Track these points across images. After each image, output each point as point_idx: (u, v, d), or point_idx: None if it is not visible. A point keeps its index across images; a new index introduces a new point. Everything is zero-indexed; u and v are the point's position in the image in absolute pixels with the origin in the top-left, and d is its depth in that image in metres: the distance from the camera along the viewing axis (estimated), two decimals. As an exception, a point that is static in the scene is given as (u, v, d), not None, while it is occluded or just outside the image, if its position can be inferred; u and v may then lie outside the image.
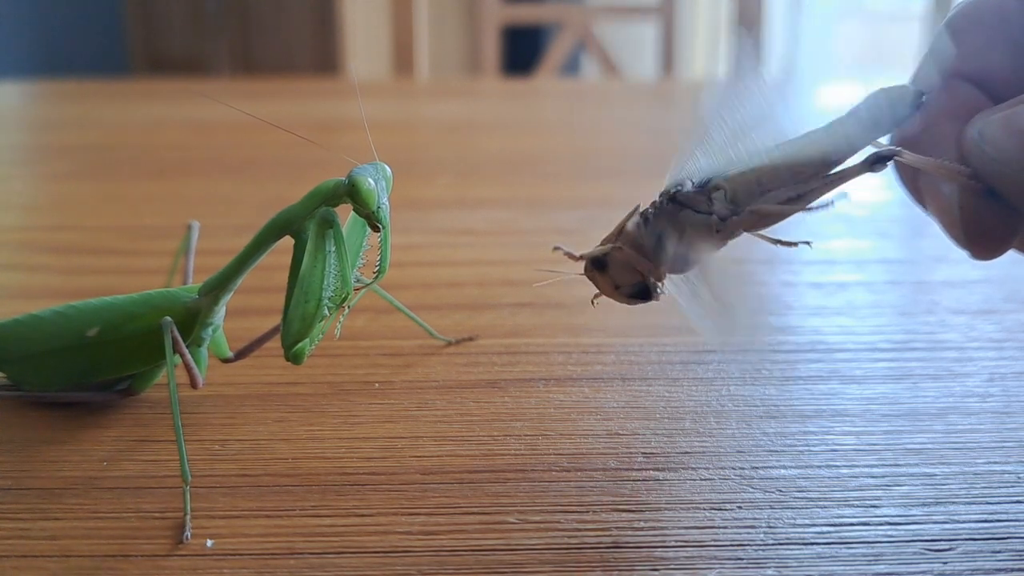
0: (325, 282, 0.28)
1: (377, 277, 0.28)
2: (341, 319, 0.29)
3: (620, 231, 0.25)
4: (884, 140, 0.25)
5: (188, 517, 0.24)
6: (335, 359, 0.34)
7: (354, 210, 0.27)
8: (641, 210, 0.25)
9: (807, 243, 0.24)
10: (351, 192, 0.27)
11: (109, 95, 1.11)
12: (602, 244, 0.25)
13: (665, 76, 1.39)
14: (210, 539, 0.24)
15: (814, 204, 0.24)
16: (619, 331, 0.37)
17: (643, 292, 0.25)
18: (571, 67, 2.32)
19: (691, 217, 0.24)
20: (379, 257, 0.28)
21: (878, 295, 0.41)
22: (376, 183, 0.27)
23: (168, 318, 0.28)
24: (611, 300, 0.25)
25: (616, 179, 0.66)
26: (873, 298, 0.41)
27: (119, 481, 0.26)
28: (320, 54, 2.53)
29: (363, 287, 0.29)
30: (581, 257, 0.25)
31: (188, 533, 0.24)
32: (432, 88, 1.25)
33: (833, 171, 0.24)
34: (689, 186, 0.24)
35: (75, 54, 2.62)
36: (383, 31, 1.49)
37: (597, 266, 0.25)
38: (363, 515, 0.25)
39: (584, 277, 0.25)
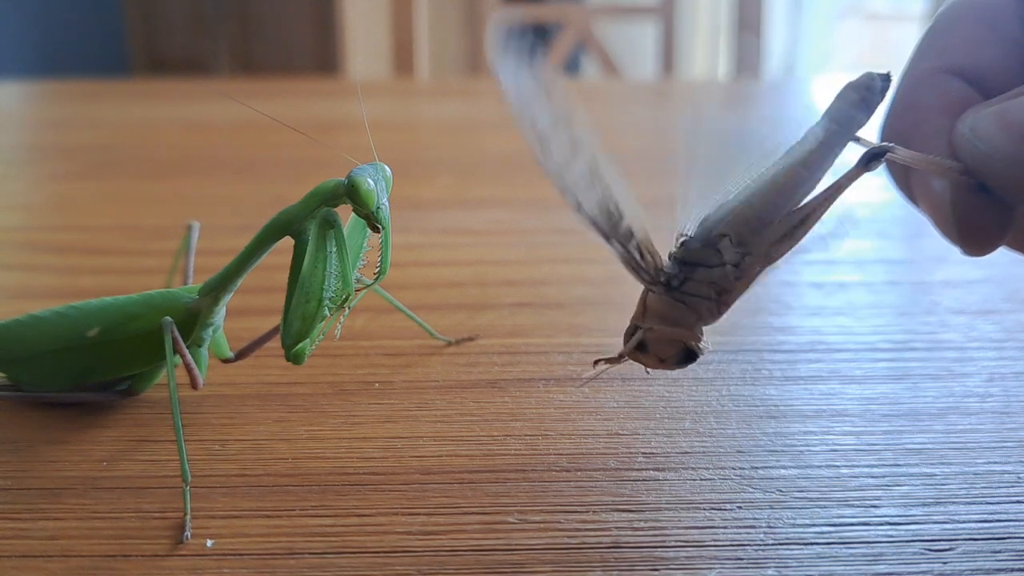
0: (326, 283, 0.28)
1: (378, 278, 0.28)
2: (342, 319, 0.29)
3: (644, 308, 0.25)
4: (874, 139, 0.25)
5: (188, 517, 0.24)
6: (335, 359, 0.34)
7: (354, 211, 0.27)
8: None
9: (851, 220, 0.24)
10: (351, 192, 0.27)
11: (109, 95, 1.11)
12: (631, 325, 0.25)
13: (665, 76, 1.39)
14: (210, 539, 0.24)
15: (827, 237, 0.24)
16: (619, 331, 0.37)
17: (689, 357, 0.25)
18: (571, 67, 2.32)
19: (706, 274, 0.24)
20: (380, 257, 0.28)
21: (878, 295, 0.41)
22: (376, 183, 0.27)
23: (168, 318, 0.28)
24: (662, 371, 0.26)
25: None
26: (873, 298, 0.41)
27: (119, 481, 0.26)
28: (320, 54, 2.53)
29: (364, 288, 0.29)
30: (621, 356, 0.25)
31: (188, 533, 0.24)
32: (432, 88, 1.25)
33: (829, 183, 0.24)
34: (693, 244, 0.24)
35: (75, 54, 2.62)
36: (383, 31, 1.49)
37: (639, 349, 0.25)
38: (363, 515, 0.25)
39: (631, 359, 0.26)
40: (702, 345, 0.25)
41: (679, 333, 0.24)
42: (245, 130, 0.85)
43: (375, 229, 0.28)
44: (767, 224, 0.23)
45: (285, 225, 0.28)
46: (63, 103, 1.07)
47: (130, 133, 0.86)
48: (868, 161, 0.23)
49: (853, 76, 0.24)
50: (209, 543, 0.24)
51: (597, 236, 0.24)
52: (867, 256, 0.47)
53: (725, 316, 0.24)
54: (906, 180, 0.25)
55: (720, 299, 0.24)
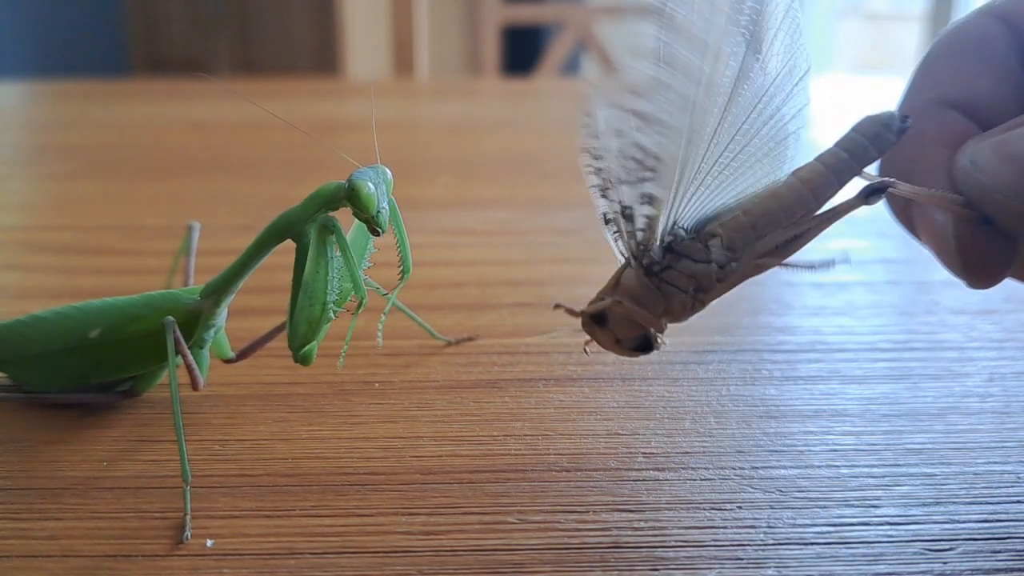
0: (329, 287, 0.28)
1: (403, 277, 0.28)
2: (380, 326, 0.29)
3: (616, 283, 0.24)
4: (873, 170, 0.24)
5: (188, 517, 0.24)
6: (335, 359, 0.34)
7: (353, 214, 0.27)
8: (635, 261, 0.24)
9: (845, 261, 0.24)
10: (351, 196, 0.27)
11: (109, 95, 1.11)
12: (598, 296, 0.24)
13: (665, 76, 1.39)
14: (210, 539, 0.24)
15: (816, 264, 0.23)
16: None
17: (645, 345, 0.24)
18: (571, 67, 2.32)
19: (689, 266, 0.24)
20: (400, 257, 0.28)
21: (878, 295, 0.41)
22: (376, 187, 0.27)
23: (170, 317, 0.28)
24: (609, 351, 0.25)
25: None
26: (873, 298, 0.41)
27: (119, 481, 0.26)
28: (320, 54, 2.53)
29: (396, 288, 0.29)
30: (581, 313, 0.24)
31: (188, 533, 0.24)
32: (432, 88, 1.25)
33: (827, 208, 0.24)
34: (683, 234, 0.24)
35: (75, 54, 2.62)
36: (383, 31, 1.49)
37: (597, 321, 0.24)
38: (363, 515, 0.25)
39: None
40: (660, 339, 0.24)
41: (644, 317, 0.24)
42: (245, 130, 0.85)
43: (375, 232, 0.28)
44: (760, 235, 0.23)
45: (286, 228, 0.28)
46: (63, 103, 1.07)
47: (130, 133, 0.86)
48: (868, 195, 0.23)
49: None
50: (209, 543, 0.24)
51: (599, 179, 0.23)
52: (867, 256, 0.47)
53: (692, 318, 0.24)
54: (907, 214, 0.25)
55: (696, 296, 0.24)
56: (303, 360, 0.28)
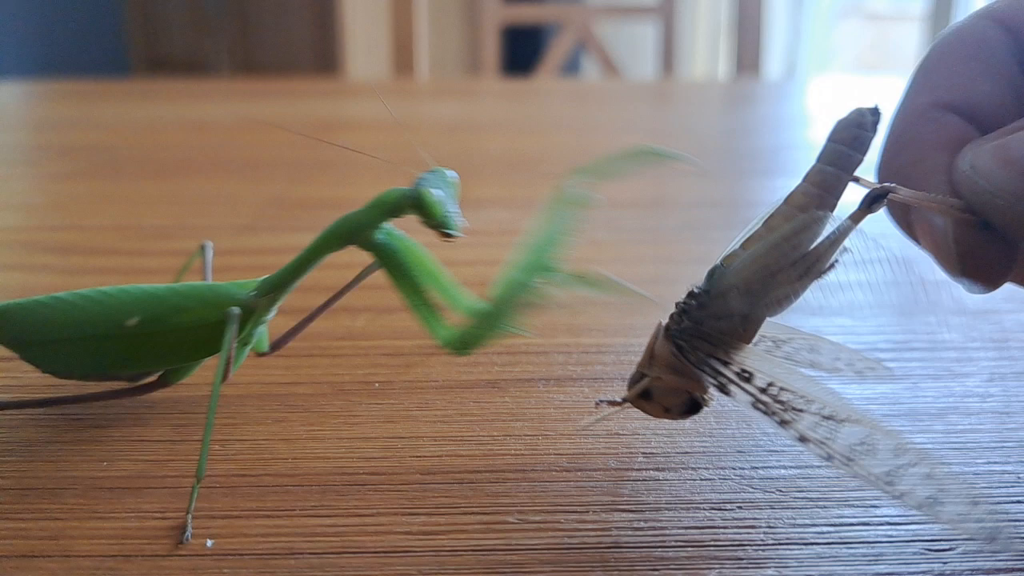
0: (424, 283, 0.28)
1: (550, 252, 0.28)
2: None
3: (651, 355, 0.25)
4: (872, 178, 0.24)
5: (190, 516, 0.24)
6: (335, 359, 0.34)
7: (422, 222, 0.27)
8: (664, 326, 0.24)
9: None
10: (417, 204, 0.26)
11: (109, 95, 1.11)
12: (637, 371, 0.25)
13: (665, 76, 1.39)
14: (210, 539, 0.24)
15: (824, 268, 0.24)
16: (619, 331, 0.37)
17: (693, 407, 0.25)
18: (571, 67, 2.32)
19: (715, 325, 0.24)
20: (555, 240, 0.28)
21: (878, 295, 0.41)
22: (443, 191, 0.27)
23: (235, 308, 0.28)
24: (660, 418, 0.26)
25: (616, 179, 0.66)
26: (873, 298, 0.41)
27: (119, 481, 0.26)
28: (320, 54, 2.53)
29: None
30: (625, 401, 0.26)
31: (189, 533, 0.24)
32: (432, 88, 1.25)
33: (833, 228, 0.23)
34: (703, 295, 0.24)
35: (75, 54, 2.62)
36: (383, 31, 1.49)
37: (643, 396, 0.25)
38: (363, 515, 0.25)
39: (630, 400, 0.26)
40: (706, 396, 0.25)
41: (685, 383, 0.24)
42: (245, 130, 0.85)
43: (446, 237, 0.27)
44: (774, 274, 0.23)
45: (348, 234, 0.28)
46: (63, 103, 1.07)
47: (130, 133, 0.86)
48: (871, 203, 0.23)
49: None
50: (209, 543, 0.24)
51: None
52: (867, 256, 0.47)
53: None
54: (906, 218, 0.25)
55: None
56: (460, 349, 0.28)
